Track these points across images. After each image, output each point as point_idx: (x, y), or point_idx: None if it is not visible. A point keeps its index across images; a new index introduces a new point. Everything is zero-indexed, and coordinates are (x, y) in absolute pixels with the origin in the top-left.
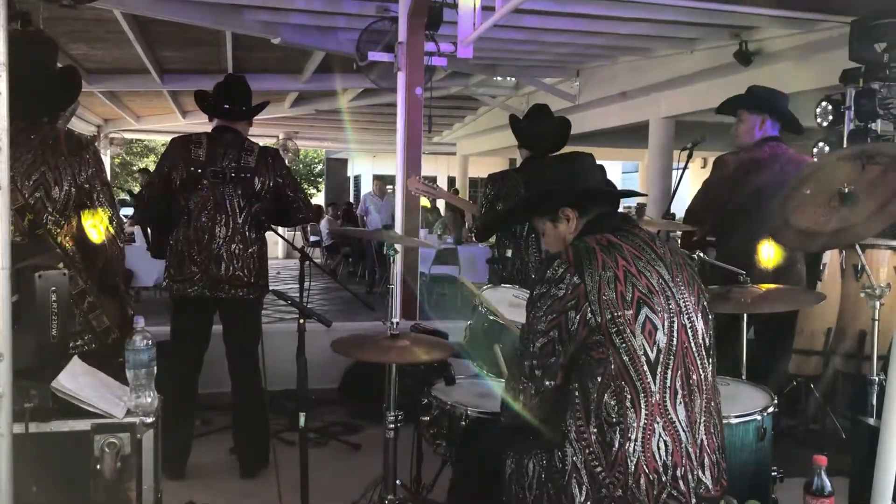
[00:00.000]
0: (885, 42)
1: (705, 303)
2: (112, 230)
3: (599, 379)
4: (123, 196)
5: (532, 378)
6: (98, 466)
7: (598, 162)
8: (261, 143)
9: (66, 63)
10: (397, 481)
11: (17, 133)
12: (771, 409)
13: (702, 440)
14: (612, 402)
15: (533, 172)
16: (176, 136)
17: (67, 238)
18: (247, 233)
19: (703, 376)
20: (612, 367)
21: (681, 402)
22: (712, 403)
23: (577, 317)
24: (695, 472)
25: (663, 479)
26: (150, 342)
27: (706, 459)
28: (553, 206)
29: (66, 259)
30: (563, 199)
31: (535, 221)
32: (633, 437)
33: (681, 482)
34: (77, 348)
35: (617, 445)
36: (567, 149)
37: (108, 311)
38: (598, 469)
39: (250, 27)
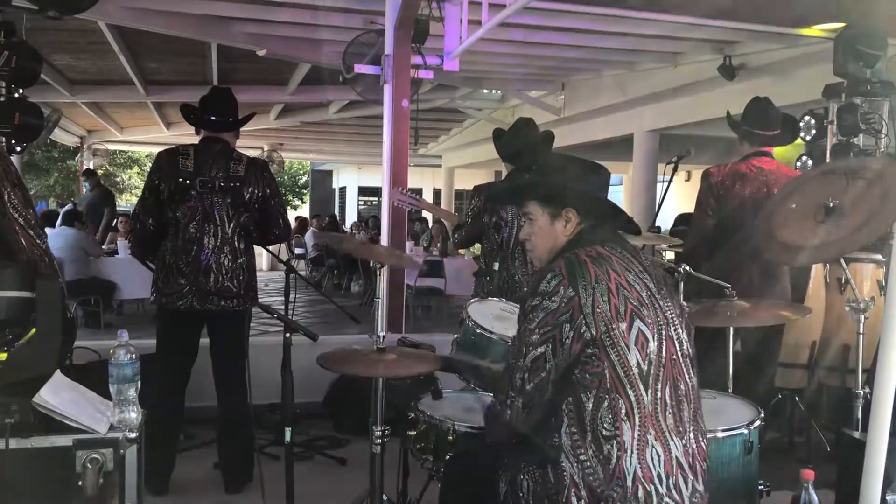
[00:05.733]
0: (870, 58)
1: (686, 314)
2: (30, 231)
3: (594, 392)
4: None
5: (522, 392)
6: (80, 483)
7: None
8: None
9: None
10: (383, 496)
11: None
12: (757, 423)
13: (693, 448)
14: (607, 416)
15: (553, 163)
16: (162, 149)
17: None
18: (235, 243)
19: (689, 386)
20: (607, 380)
21: (670, 413)
22: (698, 412)
23: (572, 330)
24: (688, 481)
25: (660, 489)
26: (133, 356)
27: (698, 467)
28: (562, 201)
29: None
30: (577, 200)
31: (531, 209)
32: (628, 449)
33: (674, 492)
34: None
35: (615, 459)
36: None
37: None
38: (597, 483)
39: (236, 39)
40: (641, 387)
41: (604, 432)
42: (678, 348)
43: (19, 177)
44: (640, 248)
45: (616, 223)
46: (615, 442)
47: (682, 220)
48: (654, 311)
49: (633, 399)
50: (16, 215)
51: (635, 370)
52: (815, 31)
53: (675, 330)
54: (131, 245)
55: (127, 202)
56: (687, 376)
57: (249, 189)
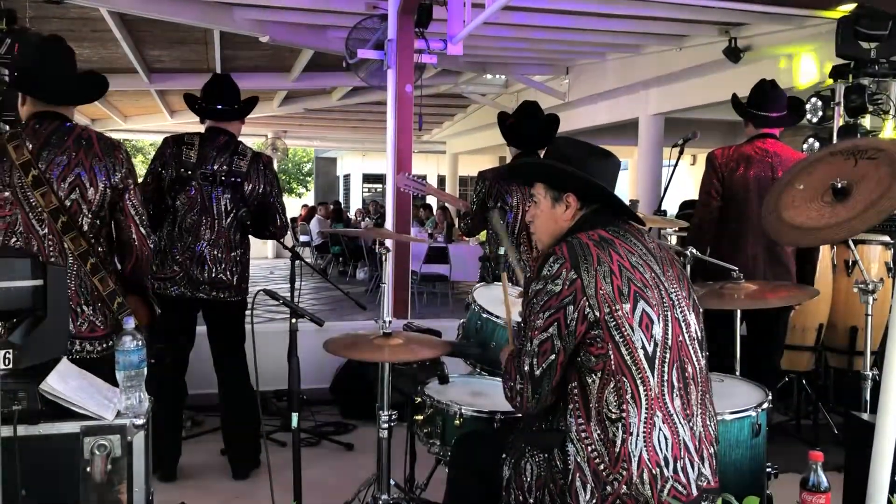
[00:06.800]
0: (873, 39)
1: (695, 296)
2: (143, 230)
3: (598, 374)
4: None
5: (530, 377)
6: (88, 469)
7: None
8: (249, 142)
9: None
10: (391, 481)
11: (50, 134)
12: (765, 405)
13: (700, 432)
14: (612, 398)
15: (560, 147)
16: (168, 135)
17: (101, 239)
18: (231, 236)
19: (697, 369)
20: (612, 362)
21: (677, 395)
22: (707, 396)
23: (576, 312)
24: (695, 465)
25: (665, 472)
26: (139, 343)
27: (704, 451)
28: (563, 185)
29: (98, 260)
30: (578, 186)
31: (536, 191)
32: (634, 431)
33: (681, 474)
34: (108, 349)
35: (620, 441)
36: None
37: (137, 312)
38: (602, 466)
39: (238, 25)
40: (647, 368)
41: (609, 415)
42: (685, 330)
43: (137, 176)
44: (646, 230)
45: (619, 209)
46: (620, 424)
47: (687, 206)
48: (659, 293)
49: (638, 381)
50: (133, 213)
51: (640, 352)
52: (839, 11)
53: (681, 312)
54: None
55: None
56: (695, 359)
57: (250, 184)
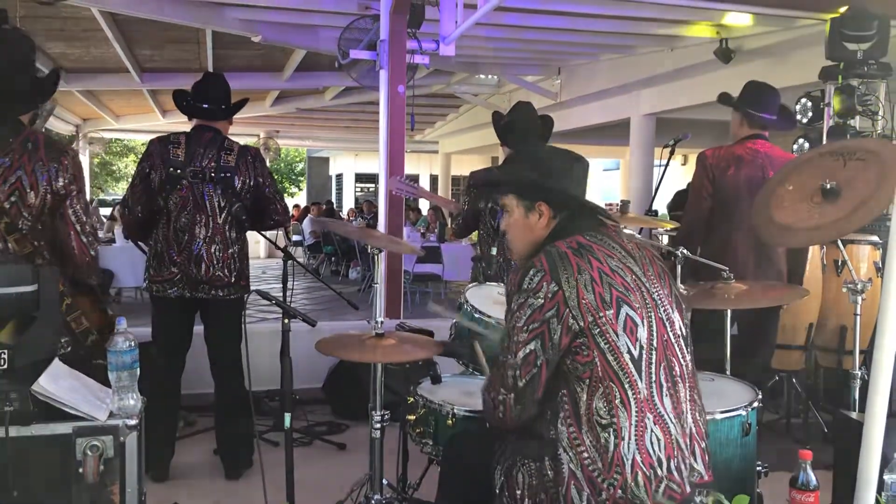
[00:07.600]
0: (861, 41)
1: (677, 293)
2: (84, 238)
3: (587, 382)
4: (103, 196)
5: (514, 389)
6: (80, 470)
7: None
8: (241, 142)
9: (44, 62)
10: (383, 481)
11: None
12: (755, 404)
13: (690, 429)
14: (602, 404)
15: (526, 155)
16: (155, 136)
17: (43, 242)
18: (227, 233)
19: (684, 366)
20: (598, 368)
21: (667, 395)
22: (695, 392)
23: (560, 325)
24: (687, 462)
25: (659, 472)
26: (132, 343)
27: (696, 447)
28: (534, 194)
29: (44, 262)
30: (549, 194)
31: (507, 201)
32: (625, 435)
33: (675, 473)
34: (57, 350)
35: (612, 446)
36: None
37: (87, 314)
38: (596, 473)
39: (230, 25)
40: (634, 372)
41: (600, 421)
42: (669, 329)
43: (84, 182)
44: (631, 233)
45: (593, 211)
46: (612, 430)
47: (680, 196)
48: (641, 295)
49: (626, 385)
50: (74, 220)
51: (626, 356)
52: (839, 13)
53: (664, 311)
54: (123, 229)
55: (123, 191)
56: (681, 356)
57: (241, 178)
